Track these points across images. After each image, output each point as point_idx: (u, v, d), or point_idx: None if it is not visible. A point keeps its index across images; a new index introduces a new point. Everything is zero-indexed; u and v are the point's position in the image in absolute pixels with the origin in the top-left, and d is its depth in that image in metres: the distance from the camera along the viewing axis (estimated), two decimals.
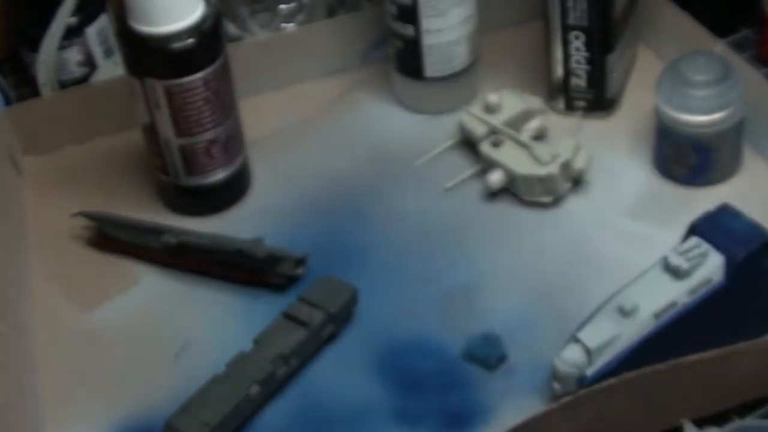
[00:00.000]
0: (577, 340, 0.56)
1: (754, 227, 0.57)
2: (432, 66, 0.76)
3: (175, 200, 0.72)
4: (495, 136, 0.72)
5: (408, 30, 0.75)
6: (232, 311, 0.66)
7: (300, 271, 0.66)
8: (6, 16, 0.87)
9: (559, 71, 0.75)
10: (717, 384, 0.55)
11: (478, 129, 0.73)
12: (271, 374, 0.59)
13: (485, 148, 0.71)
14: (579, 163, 0.70)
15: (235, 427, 0.58)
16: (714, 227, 0.57)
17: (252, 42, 0.81)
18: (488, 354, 0.60)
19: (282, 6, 0.86)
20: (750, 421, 0.56)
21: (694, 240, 0.57)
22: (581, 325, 0.57)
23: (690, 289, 0.56)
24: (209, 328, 0.65)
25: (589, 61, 0.74)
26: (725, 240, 0.57)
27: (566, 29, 0.73)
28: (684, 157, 0.69)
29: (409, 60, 0.76)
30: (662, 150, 0.70)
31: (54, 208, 0.74)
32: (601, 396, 0.53)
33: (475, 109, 0.74)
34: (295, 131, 0.79)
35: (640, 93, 0.77)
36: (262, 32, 0.84)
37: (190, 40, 0.65)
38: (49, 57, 0.82)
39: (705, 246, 0.57)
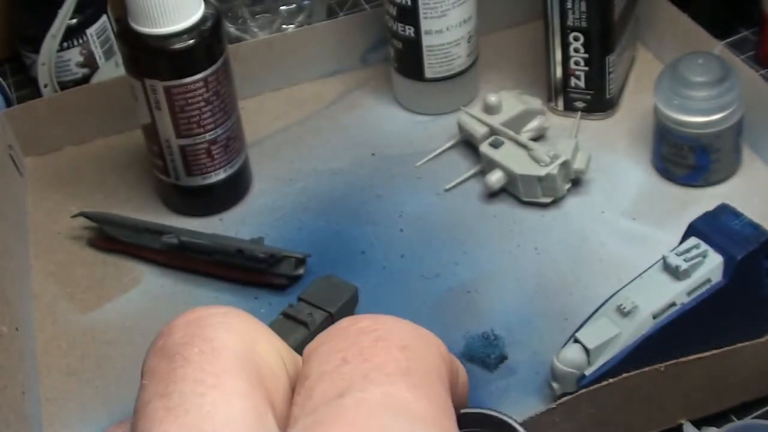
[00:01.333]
0: (576, 340, 0.56)
1: (752, 227, 0.57)
2: (432, 67, 0.76)
3: (175, 200, 0.73)
4: (495, 136, 0.72)
5: (408, 31, 0.75)
6: None
7: (300, 271, 0.66)
8: (7, 17, 0.87)
9: (558, 72, 0.75)
10: (716, 384, 0.55)
11: (478, 130, 0.73)
12: None
13: (485, 148, 0.71)
14: (578, 164, 0.70)
15: None
16: (713, 227, 0.58)
17: (252, 43, 0.81)
18: (488, 354, 0.60)
19: (282, 7, 0.86)
20: (749, 421, 0.56)
21: (693, 240, 0.58)
22: (580, 325, 0.57)
23: (689, 290, 0.56)
24: None
25: (589, 62, 0.74)
26: (724, 240, 0.57)
27: (565, 30, 0.73)
28: (683, 158, 0.69)
29: (409, 61, 0.77)
30: (661, 151, 0.70)
31: (54, 208, 0.74)
32: (600, 396, 0.53)
33: (475, 109, 0.74)
34: (295, 131, 0.79)
35: (639, 94, 0.78)
36: (262, 33, 0.85)
37: (191, 41, 0.65)
38: (50, 58, 0.82)
39: (704, 246, 0.57)
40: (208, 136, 0.68)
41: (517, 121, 0.73)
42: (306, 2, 0.86)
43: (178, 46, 0.65)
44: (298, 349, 0.61)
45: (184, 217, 0.72)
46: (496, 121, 0.73)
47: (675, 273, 0.56)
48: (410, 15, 0.74)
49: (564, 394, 0.55)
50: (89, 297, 0.68)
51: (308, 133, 0.78)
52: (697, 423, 0.55)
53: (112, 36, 0.85)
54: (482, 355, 0.60)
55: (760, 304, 0.58)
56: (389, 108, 0.80)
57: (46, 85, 0.82)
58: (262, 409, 0.25)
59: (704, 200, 0.67)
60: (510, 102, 0.74)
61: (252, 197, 0.74)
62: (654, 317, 0.56)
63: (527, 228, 0.69)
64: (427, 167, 0.74)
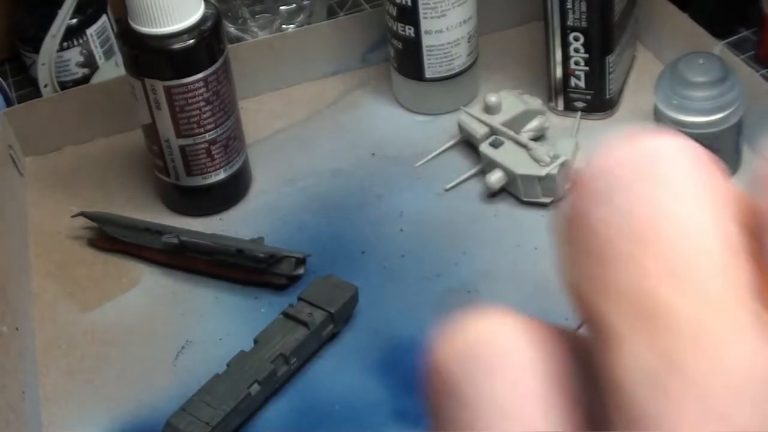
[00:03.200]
0: None
1: None
2: (432, 67, 0.76)
3: (175, 200, 0.73)
4: (495, 136, 0.72)
5: (408, 31, 0.75)
6: (232, 311, 0.66)
7: (300, 271, 0.66)
8: (7, 17, 0.87)
9: (558, 72, 0.75)
10: None
11: (478, 129, 0.73)
12: (272, 374, 0.59)
13: (485, 148, 0.71)
14: (578, 164, 0.70)
15: (236, 426, 0.58)
16: None
17: (252, 43, 0.81)
18: None
19: (282, 7, 0.86)
20: None
21: None
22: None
23: None
24: (209, 328, 0.65)
25: (589, 62, 0.74)
26: None
27: (566, 30, 0.73)
28: None
29: (409, 61, 0.77)
30: None
31: (54, 208, 0.74)
32: None
33: (475, 109, 0.74)
34: (295, 131, 0.79)
35: (639, 94, 0.78)
36: (262, 33, 0.85)
37: (191, 41, 0.65)
38: (50, 58, 0.82)
39: None
40: (208, 136, 0.68)
41: (517, 121, 0.73)
42: (306, 2, 0.86)
43: (178, 46, 0.65)
44: (299, 349, 0.61)
45: (184, 217, 0.72)
46: (496, 121, 0.73)
47: None
48: (410, 15, 0.74)
49: None
50: (89, 297, 0.68)
51: (308, 133, 0.78)
52: None
53: (112, 36, 0.85)
54: None
55: None
56: (389, 108, 0.80)
57: (46, 85, 0.82)
58: None
59: None
60: (510, 102, 0.74)
61: (252, 197, 0.74)
62: None
63: (527, 228, 0.69)
64: (427, 167, 0.74)
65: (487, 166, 0.71)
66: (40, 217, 0.74)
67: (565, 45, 0.73)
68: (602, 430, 0.16)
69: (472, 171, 0.73)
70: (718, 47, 0.72)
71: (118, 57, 0.83)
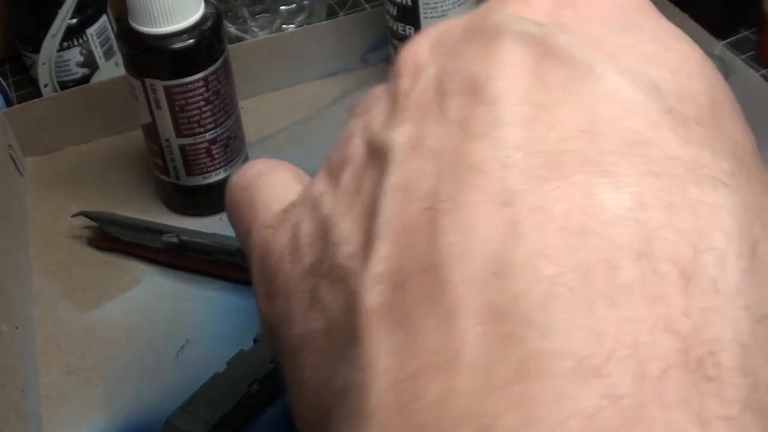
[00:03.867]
0: None
1: None
2: None
3: (175, 200, 0.73)
4: None
5: (408, 31, 0.75)
6: (232, 311, 0.66)
7: None
8: (7, 17, 0.87)
9: None
10: None
11: None
12: (272, 372, 0.59)
13: None
14: None
15: (236, 424, 0.58)
16: None
17: (252, 43, 0.81)
18: None
19: (282, 7, 0.86)
20: None
21: None
22: None
23: None
24: (209, 327, 0.65)
25: None
26: None
27: None
28: None
29: None
30: None
31: (54, 208, 0.74)
32: None
33: None
34: (295, 131, 0.79)
35: None
36: (262, 33, 0.85)
37: (191, 41, 0.65)
38: (50, 58, 0.82)
39: None
40: (208, 136, 0.68)
41: None
42: (306, 2, 0.86)
43: (178, 45, 0.65)
44: None
45: (184, 216, 0.72)
46: None
47: None
48: (410, 15, 0.74)
49: None
50: (89, 296, 0.68)
51: (308, 133, 0.79)
52: None
53: (112, 36, 0.85)
54: None
55: None
56: None
57: (46, 85, 0.83)
58: None
59: None
60: None
61: None
62: None
63: None
64: None
65: None
66: (40, 217, 0.74)
67: None
68: None
69: None
70: (718, 47, 0.73)
71: (118, 57, 0.83)
